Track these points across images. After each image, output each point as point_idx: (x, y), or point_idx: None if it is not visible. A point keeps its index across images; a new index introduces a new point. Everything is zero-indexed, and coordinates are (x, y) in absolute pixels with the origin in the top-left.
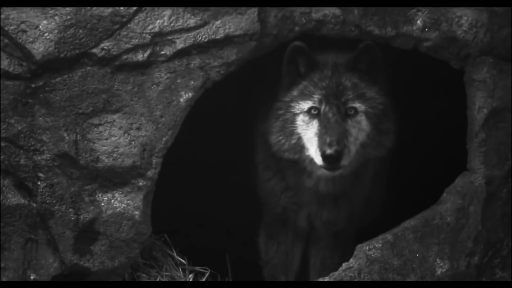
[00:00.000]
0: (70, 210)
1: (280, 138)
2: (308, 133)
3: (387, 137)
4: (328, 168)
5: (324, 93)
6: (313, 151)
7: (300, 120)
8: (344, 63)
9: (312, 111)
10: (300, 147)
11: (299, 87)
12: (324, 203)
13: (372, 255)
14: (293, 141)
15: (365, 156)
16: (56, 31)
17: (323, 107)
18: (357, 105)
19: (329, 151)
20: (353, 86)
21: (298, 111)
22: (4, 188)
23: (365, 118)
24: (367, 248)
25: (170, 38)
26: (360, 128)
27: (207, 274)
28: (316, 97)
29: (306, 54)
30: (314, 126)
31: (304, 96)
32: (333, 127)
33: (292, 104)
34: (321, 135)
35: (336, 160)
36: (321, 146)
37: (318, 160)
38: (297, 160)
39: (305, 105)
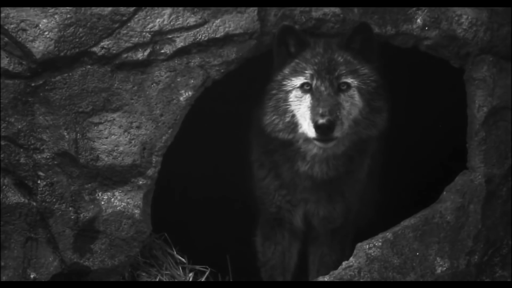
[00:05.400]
0: (70, 208)
1: (274, 117)
2: (301, 108)
3: (379, 115)
4: (321, 139)
5: (316, 68)
6: (306, 125)
7: (293, 96)
8: (337, 42)
9: (305, 87)
10: (293, 125)
11: (290, 65)
12: (319, 199)
13: (372, 254)
14: (287, 119)
15: (358, 134)
16: (56, 29)
17: (315, 82)
18: (349, 80)
19: (321, 120)
20: (345, 62)
21: (290, 88)
22: (4, 186)
23: (358, 93)
24: (367, 246)
25: (170, 36)
26: (352, 102)
27: (207, 273)
28: (308, 72)
29: (295, 34)
30: (306, 100)
31: (296, 73)
32: (325, 99)
33: (284, 82)
34: (313, 108)
35: (329, 130)
36: (314, 117)
37: (311, 132)
38: (291, 140)
39: (297, 81)
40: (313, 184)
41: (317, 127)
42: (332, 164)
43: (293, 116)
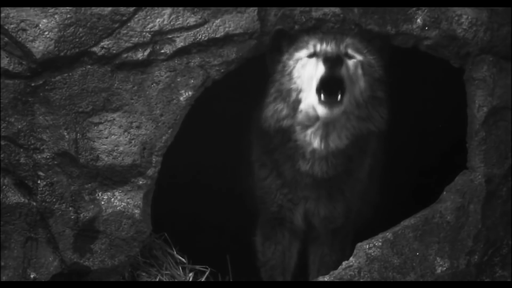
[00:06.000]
0: (70, 208)
1: (278, 105)
2: (306, 73)
3: (380, 109)
4: (329, 72)
5: (321, 36)
6: (313, 76)
7: (297, 68)
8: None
9: (310, 55)
10: (298, 103)
11: (290, 49)
12: (319, 196)
13: (372, 254)
14: (292, 98)
15: (359, 127)
16: (56, 29)
17: (319, 46)
18: (355, 54)
19: (330, 53)
20: (353, 42)
21: (293, 63)
22: (4, 186)
23: (361, 70)
24: (367, 246)
25: (170, 36)
26: (356, 73)
27: (207, 273)
28: (312, 43)
29: (289, 38)
30: (311, 63)
31: (298, 48)
32: (332, 52)
33: (286, 64)
34: (320, 57)
35: (338, 62)
36: (322, 54)
37: (320, 69)
38: (290, 128)
39: (301, 54)
40: (314, 182)
41: (325, 59)
42: (331, 163)
43: (299, 92)
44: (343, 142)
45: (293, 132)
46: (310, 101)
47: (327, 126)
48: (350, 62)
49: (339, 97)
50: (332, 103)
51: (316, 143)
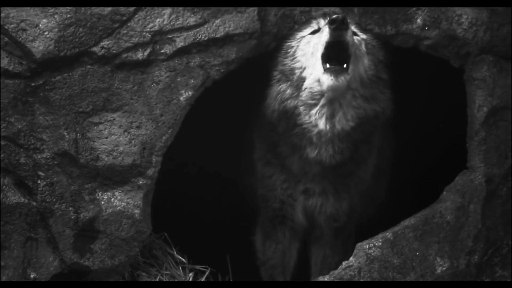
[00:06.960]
0: (70, 208)
1: (282, 85)
2: (310, 48)
3: (384, 91)
4: (334, 34)
5: (325, 15)
6: (318, 48)
7: (301, 45)
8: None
9: (313, 32)
10: (302, 80)
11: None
12: (324, 190)
13: (372, 254)
14: (296, 76)
15: (364, 107)
16: (56, 29)
17: (323, 22)
18: (359, 32)
19: (335, 16)
20: (355, 22)
21: (296, 42)
22: (4, 186)
23: (365, 48)
24: (367, 246)
25: (170, 36)
26: (360, 49)
27: (207, 273)
28: (316, 21)
29: None
30: (315, 37)
31: (301, 28)
32: (338, 15)
33: (289, 46)
34: (325, 25)
35: (343, 24)
36: (327, 21)
37: (325, 34)
38: (294, 109)
39: (304, 32)
40: (321, 170)
41: (331, 21)
42: (338, 147)
43: (303, 69)
44: (349, 124)
45: (298, 116)
46: (315, 75)
47: (332, 104)
48: (357, 40)
49: (344, 65)
50: (337, 70)
51: (321, 123)
